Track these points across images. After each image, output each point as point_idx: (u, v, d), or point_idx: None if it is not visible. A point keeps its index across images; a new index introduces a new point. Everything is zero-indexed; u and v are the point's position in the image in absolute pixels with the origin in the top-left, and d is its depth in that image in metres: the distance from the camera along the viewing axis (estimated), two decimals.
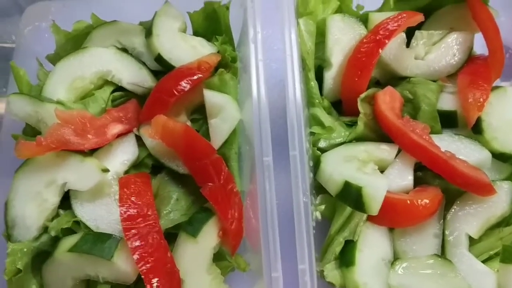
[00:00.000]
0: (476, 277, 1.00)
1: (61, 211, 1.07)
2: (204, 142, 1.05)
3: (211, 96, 1.09)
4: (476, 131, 1.14)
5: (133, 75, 1.18)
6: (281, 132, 1.10)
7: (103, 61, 1.18)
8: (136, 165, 1.13)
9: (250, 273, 1.11)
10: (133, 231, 0.96)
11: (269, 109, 0.99)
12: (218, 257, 1.07)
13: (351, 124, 1.16)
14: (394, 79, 1.23)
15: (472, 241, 1.06)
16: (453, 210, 1.06)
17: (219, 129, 1.08)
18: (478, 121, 1.13)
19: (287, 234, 0.97)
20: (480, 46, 1.26)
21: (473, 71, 1.19)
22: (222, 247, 1.07)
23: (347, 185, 0.99)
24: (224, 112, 1.08)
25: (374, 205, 0.97)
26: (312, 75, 1.14)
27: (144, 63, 1.21)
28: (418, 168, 1.12)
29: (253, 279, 1.09)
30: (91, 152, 1.08)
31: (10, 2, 1.43)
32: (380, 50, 1.13)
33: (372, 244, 1.04)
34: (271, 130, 0.98)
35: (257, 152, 0.94)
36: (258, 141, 0.95)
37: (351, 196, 0.99)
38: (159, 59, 1.17)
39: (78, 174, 1.03)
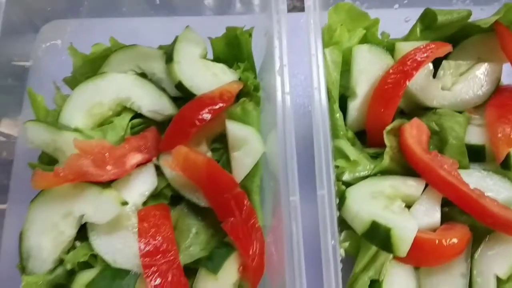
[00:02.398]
0: None
1: (77, 243, 1.04)
2: (227, 176, 1.02)
3: (234, 129, 1.06)
4: (505, 166, 1.10)
5: (153, 103, 1.15)
6: (307, 163, 1.07)
7: (122, 87, 1.15)
8: (154, 195, 1.10)
9: None
10: (152, 268, 0.93)
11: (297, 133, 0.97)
12: None
13: (376, 156, 1.13)
14: (419, 109, 1.20)
15: (500, 282, 1.02)
16: (481, 249, 1.03)
17: (242, 163, 1.05)
18: (508, 156, 1.09)
19: (313, 273, 0.94)
20: (506, 75, 1.23)
21: (502, 104, 1.16)
22: (242, 283, 1.04)
23: (374, 225, 0.96)
24: (247, 145, 1.05)
25: (403, 247, 0.94)
26: (336, 106, 1.11)
27: (164, 89, 1.18)
28: (445, 203, 1.08)
29: None
30: (110, 182, 1.05)
31: (25, 21, 1.41)
32: (407, 82, 1.10)
33: (398, 284, 1.01)
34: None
35: (283, 191, 0.91)
36: (284, 179, 0.92)
37: (379, 236, 0.96)
38: (180, 86, 1.14)
39: (96, 206, 1.00)
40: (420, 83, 1.17)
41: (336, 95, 1.13)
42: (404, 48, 1.16)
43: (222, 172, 1.01)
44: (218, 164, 1.03)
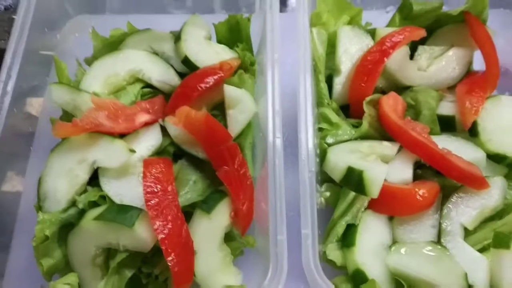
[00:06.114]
0: (470, 263, 1.06)
1: (89, 188, 1.17)
2: (222, 129, 1.16)
3: (230, 90, 1.21)
4: (472, 134, 1.23)
5: (161, 74, 1.32)
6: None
7: (135, 61, 1.32)
8: (159, 152, 1.23)
9: (257, 258, 1.18)
10: (153, 201, 1.06)
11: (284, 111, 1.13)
12: (229, 239, 1.15)
13: (357, 126, 1.26)
14: (398, 89, 1.33)
15: (467, 233, 1.13)
16: (449, 202, 1.14)
17: (236, 119, 1.20)
18: (474, 124, 1.22)
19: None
20: (479, 66, 1.37)
21: (471, 82, 1.30)
22: (233, 229, 1.15)
23: (350, 170, 1.09)
24: (241, 104, 1.20)
25: (374, 188, 1.06)
26: (322, 77, 1.26)
27: (172, 66, 1.34)
28: (418, 167, 1.21)
29: (260, 264, 1.16)
30: (120, 137, 1.20)
31: (53, 15, 1.60)
32: (385, 59, 1.25)
33: (372, 229, 1.12)
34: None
35: (270, 134, 1.05)
36: (271, 127, 1.06)
37: (353, 180, 1.09)
38: (185, 61, 1.30)
39: (108, 153, 1.14)
40: (398, 63, 1.31)
41: (322, 68, 1.27)
42: (383, 32, 1.31)
43: (219, 126, 1.16)
44: (215, 119, 1.17)
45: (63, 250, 1.13)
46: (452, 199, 1.14)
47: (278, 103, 1.10)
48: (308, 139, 1.04)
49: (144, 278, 1.13)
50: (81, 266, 1.11)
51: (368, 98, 1.24)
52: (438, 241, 1.12)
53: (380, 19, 1.42)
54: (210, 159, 1.16)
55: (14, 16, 1.39)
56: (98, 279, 1.11)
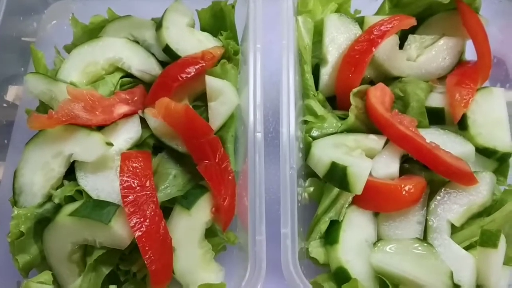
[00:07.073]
0: (456, 261, 1.03)
1: (65, 182, 1.13)
2: (203, 122, 1.12)
3: (212, 81, 1.17)
4: (462, 127, 1.19)
5: (141, 63, 1.27)
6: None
7: (115, 49, 1.27)
8: (138, 145, 1.19)
9: (239, 255, 1.15)
10: (130, 197, 1.02)
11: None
12: (210, 234, 1.12)
13: (344, 118, 1.23)
14: (387, 79, 1.29)
15: (454, 229, 1.10)
16: (436, 198, 1.11)
17: (218, 112, 1.15)
18: (464, 117, 1.19)
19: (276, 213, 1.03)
20: (472, 55, 1.33)
21: (462, 73, 1.26)
22: (215, 224, 1.12)
23: (333, 165, 1.05)
24: (223, 96, 1.15)
25: (358, 184, 1.03)
26: (308, 68, 1.22)
27: (153, 54, 1.30)
28: (405, 161, 1.17)
29: (243, 260, 1.13)
30: (98, 129, 1.16)
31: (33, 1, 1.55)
32: (374, 49, 1.20)
33: (357, 226, 1.09)
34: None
35: (250, 128, 1.01)
36: (252, 120, 1.02)
37: (337, 175, 1.05)
38: (167, 49, 1.25)
39: (84, 146, 1.10)
40: (387, 53, 1.26)
41: (308, 58, 1.23)
42: (372, 21, 1.26)
43: (199, 118, 1.11)
44: (195, 111, 1.13)
45: (40, 246, 1.10)
46: (439, 195, 1.11)
47: (259, 96, 1.06)
48: (290, 134, 1.00)
49: (122, 275, 1.10)
50: (58, 263, 1.08)
51: (355, 90, 1.20)
52: (424, 238, 1.09)
53: (369, 6, 1.37)
54: (191, 153, 1.12)
55: None
56: (75, 275, 1.08)
